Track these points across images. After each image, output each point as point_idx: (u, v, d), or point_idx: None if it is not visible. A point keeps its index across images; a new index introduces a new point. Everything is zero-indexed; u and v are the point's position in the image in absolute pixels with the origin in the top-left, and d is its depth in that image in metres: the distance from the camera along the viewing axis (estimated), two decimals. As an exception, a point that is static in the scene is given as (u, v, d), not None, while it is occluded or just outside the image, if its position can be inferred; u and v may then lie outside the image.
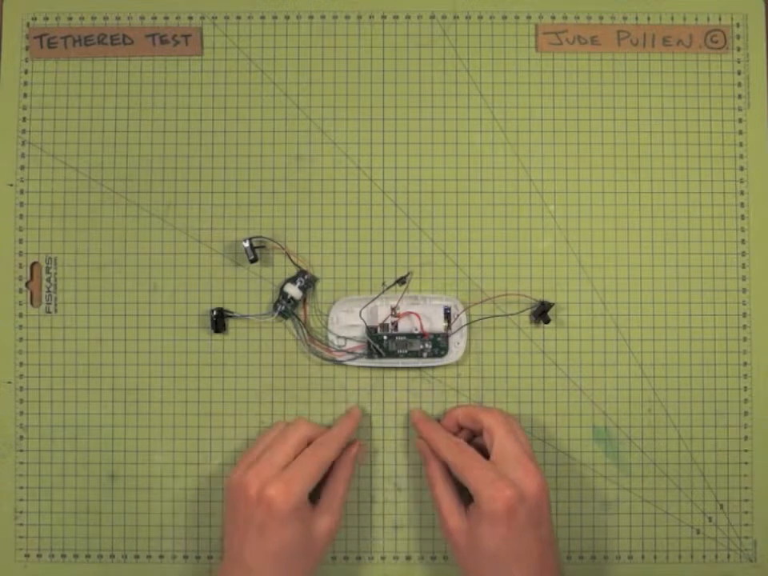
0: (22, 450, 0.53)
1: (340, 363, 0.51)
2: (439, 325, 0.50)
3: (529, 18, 0.54)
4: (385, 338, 0.49)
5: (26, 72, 0.54)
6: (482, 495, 0.43)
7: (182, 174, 0.54)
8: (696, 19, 0.55)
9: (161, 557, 0.53)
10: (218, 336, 0.52)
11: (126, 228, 0.53)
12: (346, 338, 0.50)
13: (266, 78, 0.54)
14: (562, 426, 0.53)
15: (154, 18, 0.54)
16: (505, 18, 0.54)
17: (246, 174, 0.53)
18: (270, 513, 0.43)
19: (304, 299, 0.51)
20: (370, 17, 0.54)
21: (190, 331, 0.53)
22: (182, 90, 0.54)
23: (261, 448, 0.47)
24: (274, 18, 0.54)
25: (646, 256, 0.54)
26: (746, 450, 0.53)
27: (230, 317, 0.52)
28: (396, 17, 0.54)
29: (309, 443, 0.46)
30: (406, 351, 0.50)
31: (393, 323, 0.50)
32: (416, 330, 0.50)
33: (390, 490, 0.53)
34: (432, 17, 0.54)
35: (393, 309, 0.50)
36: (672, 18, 0.55)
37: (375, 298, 0.50)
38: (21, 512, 0.53)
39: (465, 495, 0.48)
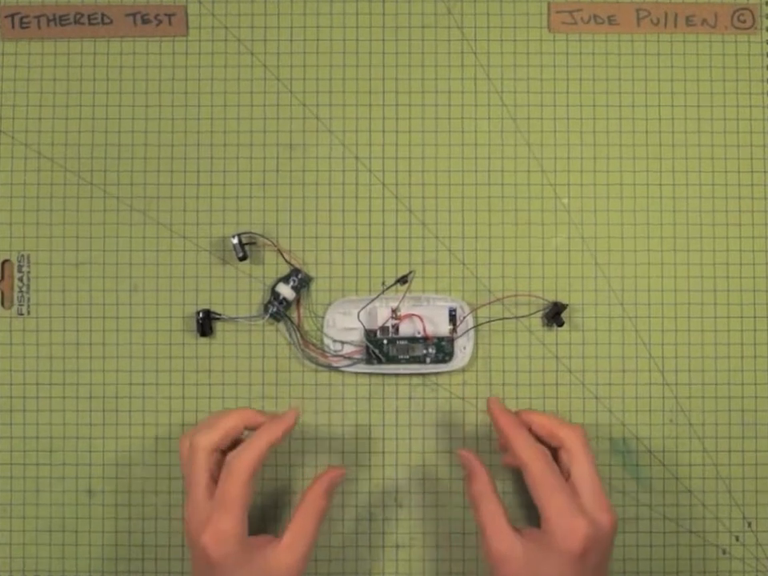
0: (-8, 464, 0.49)
1: (336, 369, 0.48)
2: (444, 328, 0.47)
3: (541, -5, 0.51)
4: (385, 342, 0.47)
5: (-4, 54, 0.50)
6: (558, 526, 0.39)
7: (166, 165, 0.50)
8: (721, -3, 0.51)
9: (142, 579, 0.50)
10: (204, 340, 0.49)
11: (104, 223, 0.50)
12: (342, 343, 0.48)
13: (257, 60, 0.51)
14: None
15: (136, -5, 0.51)
16: (515, -5, 0.51)
17: (235, 165, 0.50)
18: (209, 561, 0.39)
19: (297, 300, 0.48)
20: (369, -6, 0.51)
21: (174, 335, 0.49)
22: (165, 74, 0.51)
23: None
24: (265, -5, 0.51)
25: (667, 253, 0.50)
26: (775, 464, 0.50)
27: (218, 319, 0.48)
28: (397, -6, 0.51)
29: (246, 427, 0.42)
30: (407, 356, 0.47)
31: (393, 326, 0.47)
32: (419, 333, 0.47)
33: (391, 507, 0.50)
34: (436, -6, 0.51)
35: (393, 311, 0.47)
36: (696, -4, 0.51)
37: (374, 299, 0.47)
38: (-9, 530, 0.49)
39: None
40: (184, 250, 0.50)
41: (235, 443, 0.42)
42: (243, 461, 0.39)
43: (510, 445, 0.41)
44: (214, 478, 0.40)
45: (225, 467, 0.39)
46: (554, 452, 0.42)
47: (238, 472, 0.39)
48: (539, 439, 0.42)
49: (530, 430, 0.42)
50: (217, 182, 0.50)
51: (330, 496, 0.42)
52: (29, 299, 0.50)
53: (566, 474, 0.41)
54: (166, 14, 0.51)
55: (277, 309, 0.47)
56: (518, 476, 0.47)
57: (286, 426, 0.41)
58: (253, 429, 0.42)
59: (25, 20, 0.51)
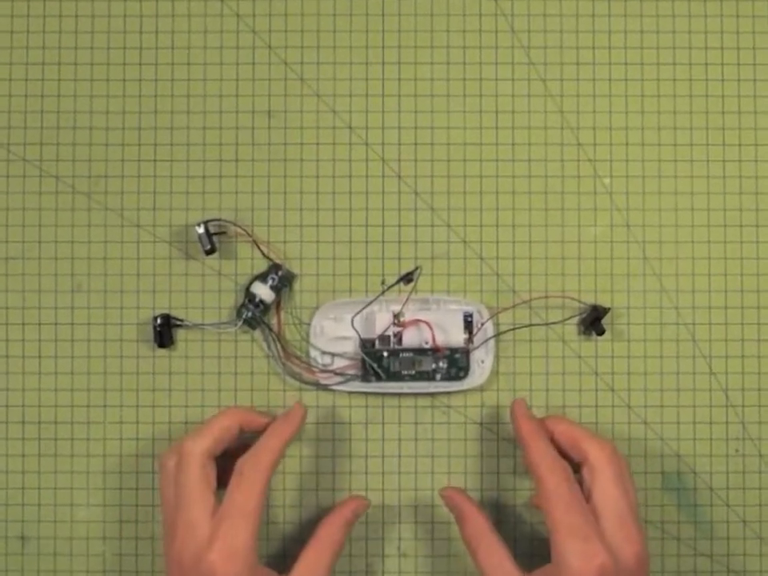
0: None
1: (325, 388, 0.43)
2: (458, 337, 0.43)
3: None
4: (385, 354, 0.42)
5: None
6: (569, 552, 0.36)
7: (115, 137, 0.44)
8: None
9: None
10: (162, 352, 0.43)
11: (40, 209, 0.44)
12: (333, 355, 0.43)
13: (227, 8, 0.44)
14: None
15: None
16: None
17: (201, 137, 0.44)
18: None
19: (278, 303, 0.43)
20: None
21: (126, 346, 0.43)
22: (115, 25, 0.44)
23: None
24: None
25: (732, 246, 0.44)
26: None
27: (179, 326, 0.43)
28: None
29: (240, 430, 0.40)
30: (413, 372, 0.42)
31: (396, 335, 0.43)
32: (426, 343, 0.42)
33: (393, 557, 0.43)
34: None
35: (396, 316, 0.42)
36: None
37: (372, 302, 0.42)
38: None
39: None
40: (138, 242, 0.44)
41: (231, 452, 0.39)
42: (257, 464, 0.37)
43: (526, 455, 0.38)
44: (213, 490, 0.37)
45: (235, 475, 0.37)
46: (579, 469, 0.39)
47: (252, 478, 0.37)
48: (562, 453, 0.39)
49: (552, 439, 0.39)
50: (178, 157, 0.44)
51: (349, 530, 0.40)
52: (-53, 302, 0.44)
53: (587, 495, 0.38)
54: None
55: (252, 313, 0.42)
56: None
57: (296, 423, 0.39)
58: (251, 431, 0.40)
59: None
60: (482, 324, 0.43)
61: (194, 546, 0.36)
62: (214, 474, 0.38)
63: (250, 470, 0.37)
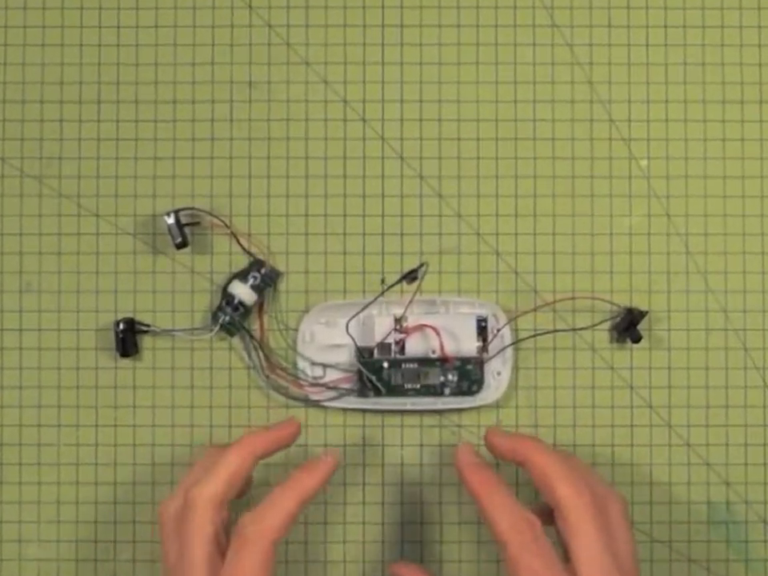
0: None
1: (316, 405, 0.41)
2: (470, 345, 0.41)
3: None
4: (385, 365, 0.40)
5: None
6: None
7: (71, 112, 0.40)
8: None
9: None
10: (126, 362, 0.40)
11: None
12: (324, 366, 0.41)
13: None
14: (661, 500, 0.40)
15: None
16: None
17: (171, 112, 0.40)
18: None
19: (260, 305, 0.41)
20: None
21: (84, 355, 0.40)
22: None
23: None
24: None
25: None
26: None
27: (146, 332, 0.40)
28: None
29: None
30: (418, 386, 0.40)
31: (398, 343, 0.41)
32: (433, 352, 0.41)
33: None
34: None
35: (398, 320, 0.41)
36: None
37: (370, 304, 0.40)
38: None
39: None
40: (97, 234, 0.41)
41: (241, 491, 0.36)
42: (264, 529, 0.33)
43: (481, 512, 0.34)
44: (221, 549, 0.34)
45: (237, 536, 0.33)
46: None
47: (256, 546, 0.33)
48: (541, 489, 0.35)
49: (522, 467, 0.36)
50: (144, 136, 0.41)
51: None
52: None
53: (565, 549, 0.34)
54: None
55: (230, 318, 0.40)
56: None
57: (321, 477, 0.35)
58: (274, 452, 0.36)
59: None
60: (498, 330, 0.41)
61: None
62: (224, 527, 0.34)
63: (255, 533, 0.33)
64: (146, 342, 0.40)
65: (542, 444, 0.36)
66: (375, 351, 0.40)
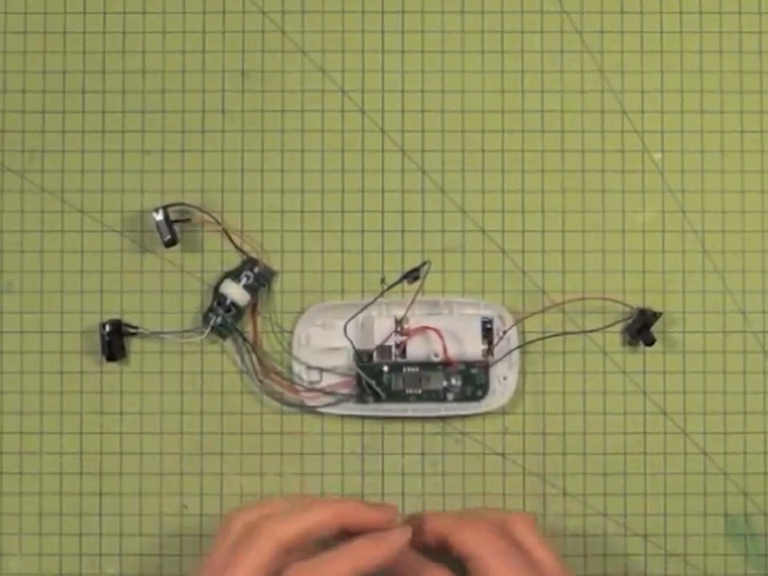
0: None
1: (312, 411, 0.40)
2: (474, 348, 0.40)
3: None
4: (385, 369, 0.40)
5: None
6: None
7: (54, 103, 0.40)
8: None
9: None
10: (112, 366, 0.40)
11: None
12: (321, 370, 0.41)
13: None
14: (675, 512, 0.40)
15: None
16: None
17: (159, 102, 0.40)
18: None
19: (253, 306, 0.40)
20: None
21: (68, 358, 0.40)
22: None
23: None
24: None
25: None
26: None
27: (133, 335, 0.40)
28: None
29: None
30: (419, 391, 0.40)
31: (399, 345, 0.40)
32: (436, 356, 0.40)
33: None
34: None
35: (398, 322, 0.40)
36: None
37: (370, 304, 0.40)
38: None
39: None
40: (82, 231, 0.40)
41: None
42: None
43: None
44: None
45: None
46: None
47: None
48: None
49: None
50: (131, 127, 0.40)
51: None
52: None
53: None
54: None
55: (222, 319, 0.40)
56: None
57: (387, 551, 0.34)
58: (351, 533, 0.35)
59: None
60: (504, 332, 0.40)
61: None
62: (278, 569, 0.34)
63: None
64: (133, 344, 0.40)
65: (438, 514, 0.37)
66: (375, 354, 0.40)
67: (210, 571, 0.34)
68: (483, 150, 0.40)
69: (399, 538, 0.34)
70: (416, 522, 0.36)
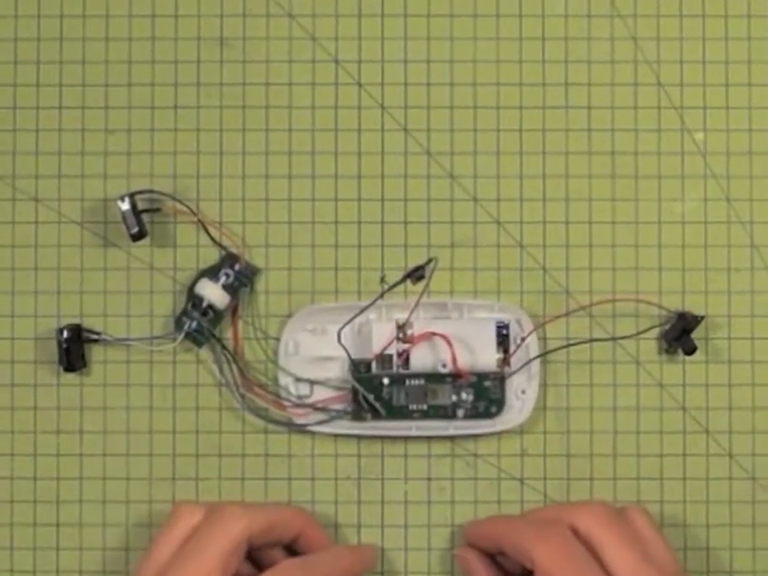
0: None
1: (301, 430, 0.38)
2: (488, 357, 0.38)
3: None
4: (386, 381, 0.38)
5: None
6: None
7: (5, 75, 0.37)
8: None
9: None
10: (71, 378, 0.37)
11: None
12: (312, 383, 0.38)
13: None
14: (721, 546, 0.37)
15: None
16: None
17: (126, 75, 0.38)
18: None
19: (234, 309, 0.38)
20: None
21: (20, 369, 0.38)
22: None
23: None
24: None
25: None
26: None
27: (95, 341, 0.38)
28: None
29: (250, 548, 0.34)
30: (425, 407, 0.38)
31: (401, 354, 0.38)
32: (444, 366, 0.38)
33: None
34: None
35: (401, 327, 0.38)
36: None
37: (368, 307, 0.38)
38: None
39: None
40: (36, 222, 0.38)
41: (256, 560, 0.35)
42: None
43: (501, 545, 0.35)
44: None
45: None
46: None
47: None
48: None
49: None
50: (93, 103, 0.38)
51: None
52: None
53: None
54: None
55: (198, 324, 0.38)
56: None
57: (360, 565, 0.36)
58: (301, 547, 0.35)
59: None
60: (523, 339, 0.38)
61: None
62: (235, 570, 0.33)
63: None
64: (95, 353, 0.38)
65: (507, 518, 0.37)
66: (373, 365, 0.38)
67: (155, 564, 0.33)
68: (498, 130, 0.38)
69: (370, 555, 0.35)
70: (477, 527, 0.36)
